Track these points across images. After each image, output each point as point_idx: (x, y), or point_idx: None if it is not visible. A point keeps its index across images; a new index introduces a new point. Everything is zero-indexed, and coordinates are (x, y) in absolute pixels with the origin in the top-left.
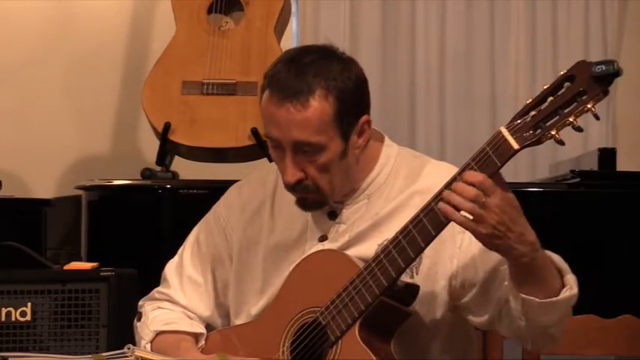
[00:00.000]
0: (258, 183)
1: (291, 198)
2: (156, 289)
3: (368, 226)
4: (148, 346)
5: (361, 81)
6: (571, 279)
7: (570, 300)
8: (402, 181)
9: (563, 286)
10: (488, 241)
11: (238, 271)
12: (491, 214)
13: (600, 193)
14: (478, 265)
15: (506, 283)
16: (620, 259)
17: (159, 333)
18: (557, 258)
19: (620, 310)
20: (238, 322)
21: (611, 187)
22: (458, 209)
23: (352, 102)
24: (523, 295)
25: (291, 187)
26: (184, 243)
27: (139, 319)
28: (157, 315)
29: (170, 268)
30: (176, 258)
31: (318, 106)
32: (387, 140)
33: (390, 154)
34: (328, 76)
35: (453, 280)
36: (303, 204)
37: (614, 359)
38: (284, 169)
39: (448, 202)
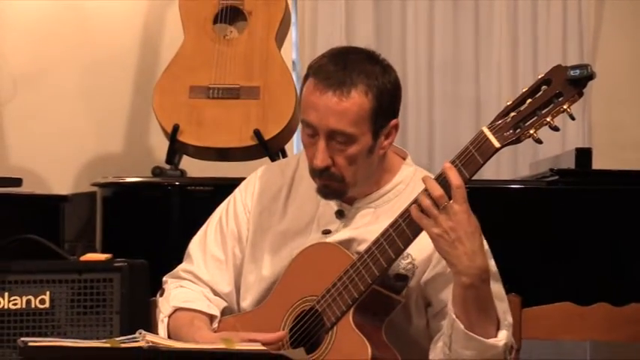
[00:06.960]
0: (277, 171)
1: (305, 189)
2: (180, 267)
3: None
4: (166, 320)
5: (397, 86)
6: (503, 335)
7: (493, 349)
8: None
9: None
10: (438, 243)
11: (250, 253)
12: (447, 218)
13: (577, 190)
14: (438, 288)
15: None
16: (596, 251)
17: (177, 309)
18: (502, 309)
19: (595, 299)
20: (244, 303)
21: (587, 184)
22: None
23: (388, 104)
24: (453, 315)
25: (318, 173)
26: (209, 220)
27: (162, 295)
28: (178, 293)
29: (194, 244)
30: (200, 234)
31: (358, 99)
32: (408, 159)
33: (408, 173)
34: (371, 75)
35: (422, 283)
36: (325, 191)
37: (590, 344)
38: (315, 154)
39: (416, 201)
